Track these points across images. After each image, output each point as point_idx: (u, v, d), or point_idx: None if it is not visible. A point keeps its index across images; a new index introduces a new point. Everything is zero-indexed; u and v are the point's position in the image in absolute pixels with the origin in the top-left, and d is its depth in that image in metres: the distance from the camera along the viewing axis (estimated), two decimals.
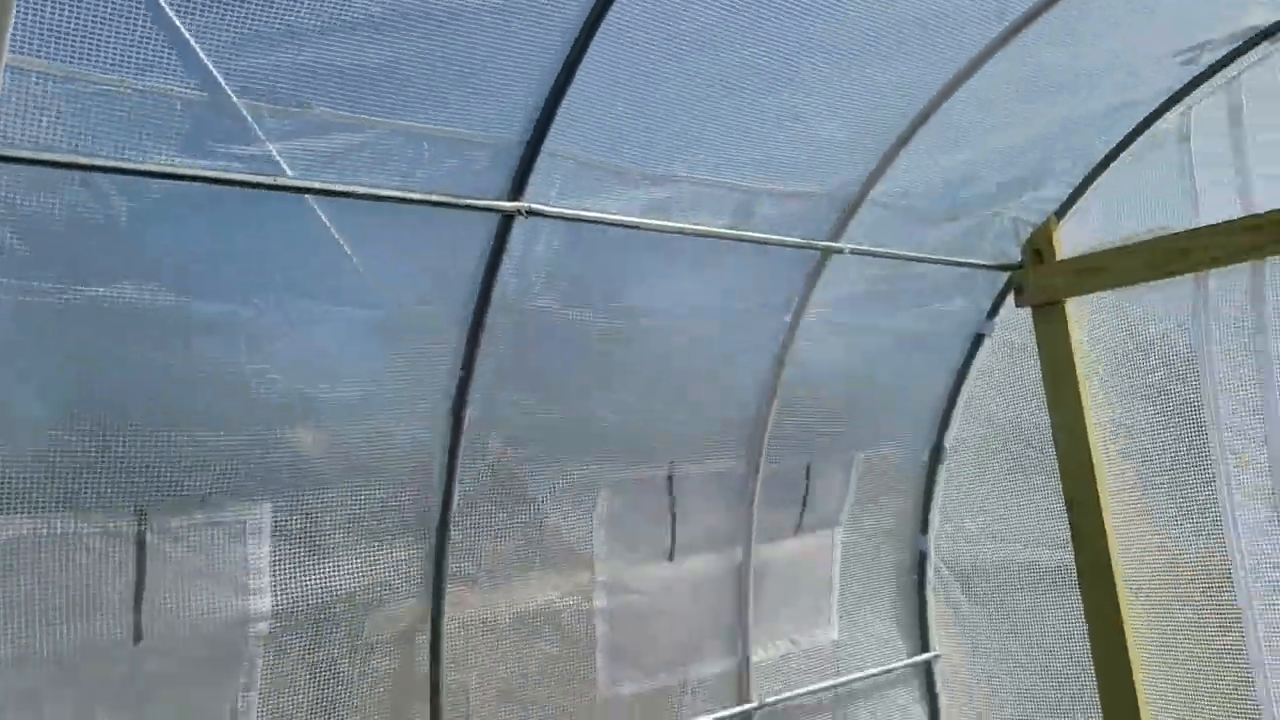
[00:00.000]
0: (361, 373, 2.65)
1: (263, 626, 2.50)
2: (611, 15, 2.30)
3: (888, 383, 4.12)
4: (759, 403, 3.72)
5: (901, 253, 3.64)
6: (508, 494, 3.08)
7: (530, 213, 2.57)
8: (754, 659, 3.88)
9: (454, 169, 2.55)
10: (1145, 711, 3.64)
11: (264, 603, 2.52)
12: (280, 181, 2.25)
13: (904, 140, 3.32)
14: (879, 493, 4.27)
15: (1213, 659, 3.58)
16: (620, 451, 3.42)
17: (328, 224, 2.46)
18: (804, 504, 3.93)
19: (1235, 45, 3.43)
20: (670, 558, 3.57)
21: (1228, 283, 3.43)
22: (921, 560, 4.41)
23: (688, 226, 2.92)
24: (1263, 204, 3.34)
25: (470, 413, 2.80)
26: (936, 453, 4.37)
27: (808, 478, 3.95)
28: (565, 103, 2.51)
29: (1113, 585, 3.73)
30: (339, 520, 2.66)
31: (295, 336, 2.49)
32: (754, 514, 3.81)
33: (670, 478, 3.59)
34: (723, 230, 3.02)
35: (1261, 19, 3.35)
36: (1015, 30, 3.02)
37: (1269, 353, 3.31)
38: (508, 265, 2.72)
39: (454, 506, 2.85)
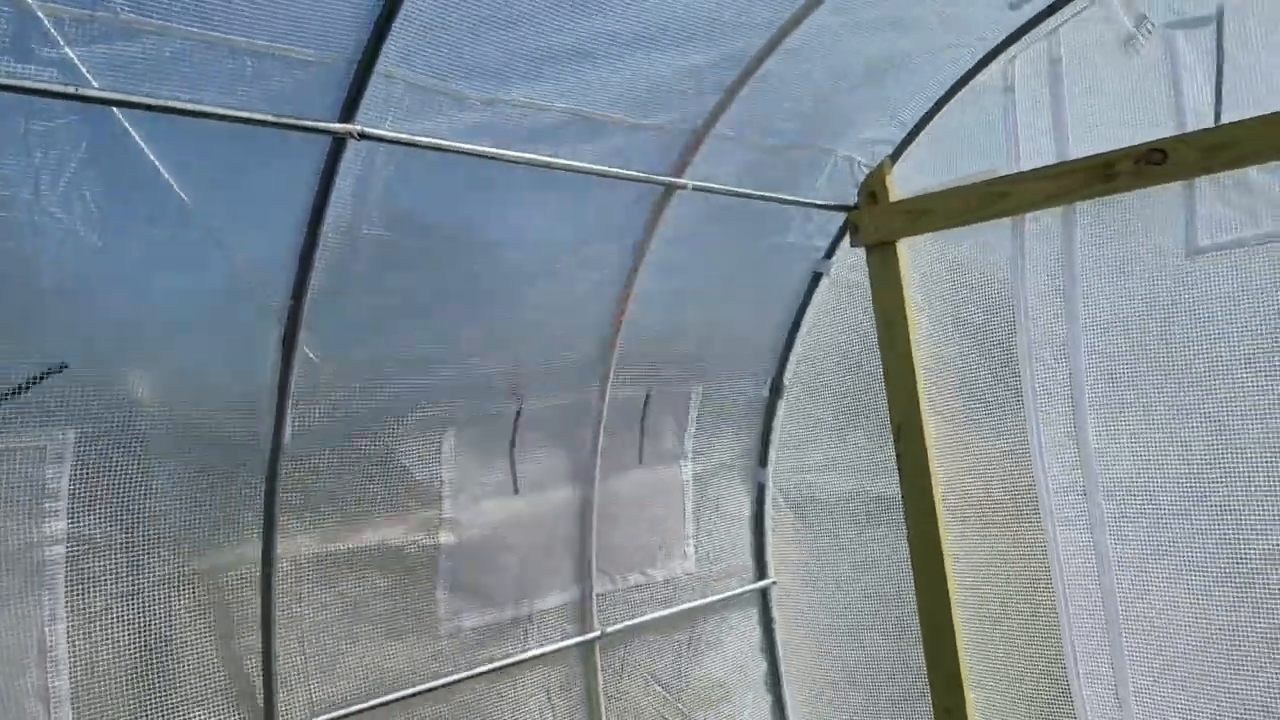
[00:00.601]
0: (182, 297, 2.53)
1: (58, 550, 2.39)
2: None
3: (729, 319, 4.21)
4: (604, 337, 3.75)
5: (743, 190, 3.70)
6: (347, 428, 3.01)
7: (363, 136, 2.49)
8: (600, 590, 3.96)
9: (282, 88, 2.43)
10: (959, 630, 3.91)
11: (59, 526, 2.39)
12: (85, 92, 2.09)
13: (747, 76, 3.36)
14: (722, 426, 4.39)
15: (1021, 578, 3.87)
16: (465, 385, 3.39)
17: (141, 143, 2.31)
18: (646, 436, 4.00)
19: None
20: (516, 492, 3.58)
21: (1042, 226, 3.64)
22: (760, 492, 4.58)
23: (528, 156, 2.88)
24: (1075, 152, 3.55)
25: (302, 342, 2.71)
26: (776, 388, 4.52)
27: (652, 411, 4.02)
28: (399, 20, 2.42)
29: (933, 511, 3.96)
30: (158, 450, 2.54)
31: (110, 256, 2.35)
32: (599, 448, 3.86)
33: (518, 412, 3.59)
34: (565, 161, 3.00)
35: None
36: None
37: (1074, 292, 3.55)
38: (341, 190, 2.62)
39: (286, 439, 2.77)
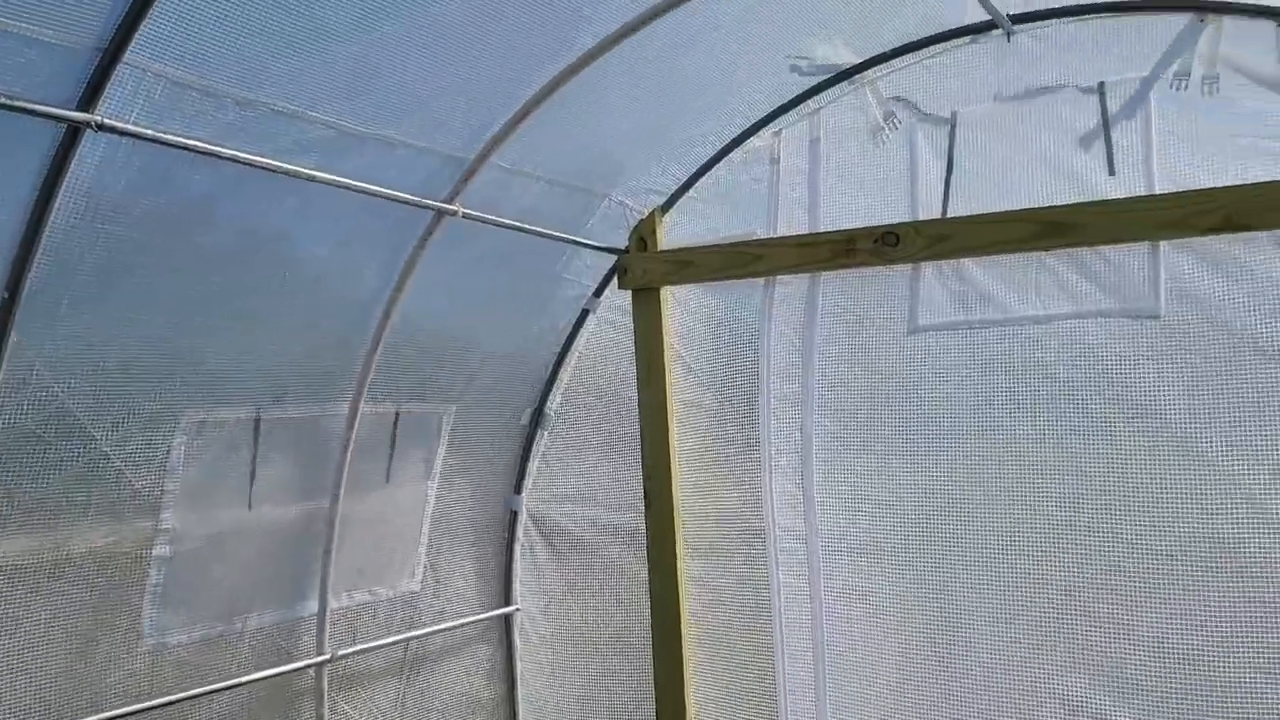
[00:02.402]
0: None
1: None
2: None
3: (494, 346, 4.25)
4: (361, 353, 3.69)
5: (517, 223, 3.76)
6: (58, 430, 2.82)
7: (102, 127, 2.36)
8: (335, 607, 3.87)
9: (15, 68, 2.28)
10: (689, 663, 4.09)
11: None
12: None
13: (528, 111, 3.43)
14: (477, 449, 4.41)
15: (749, 615, 4.09)
16: (204, 391, 3.24)
17: None
18: (395, 455, 3.97)
19: (822, 79, 3.91)
20: (250, 505, 3.45)
21: (790, 290, 3.90)
22: (512, 518, 4.62)
23: (288, 166, 2.82)
24: (823, 225, 3.84)
25: (14, 339, 2.52)
26: (538, 416, 4.59)
27: (403, 430, 3.99)
28: (156, 11, 2.33)
29: (674, 548, 4.13)
30: None
31: None
32: (346, 462, 3.79)
33: (258, 420, 3.47)
34: (329, 175, 2.95)
35: (845, 60, 3.84)
36: (650, 19, 3.19)
37: (811, 354, 3.83)
38: (75, 182, 2.47)
39: None
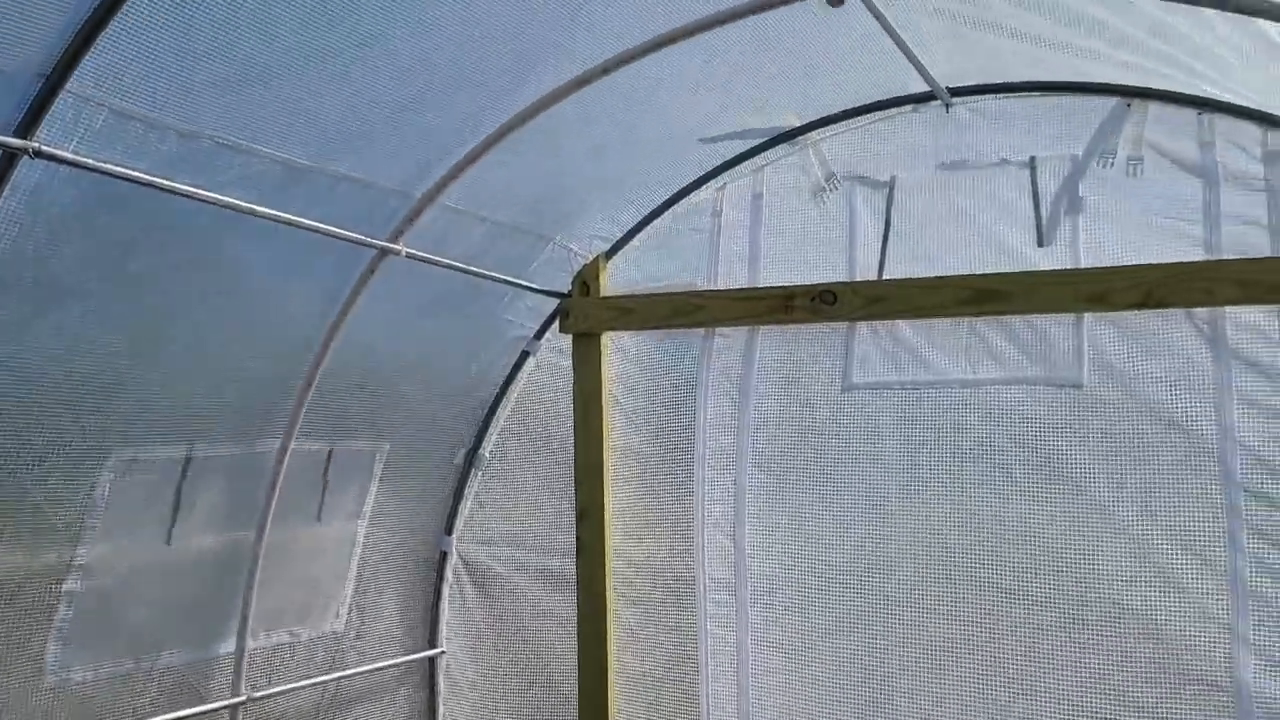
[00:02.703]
0: None
1: None
2: None
3: (431, 384, 4.22)
4: (296, 388, 3.64)
5: (461, 265, 3.76)
6: None
7: (39, 154, 2.31)
8: (254, 647, 3.78)
9: None
10: (614, 710, 4.07)
11: None
12: None
13: (478, 154, 3.44)
14: (408, 489, 4.36)
15: (678, 663, 4.08)
16: (135, 427, 3.17)
17: None
18: (326, 492, 3.91)
19: (766, 139, 4.00)
20: (170, 541, 3.37)
21: (728, 342, 3.97)
22: (442, 559, 4.57)
23: (230, 200, 2.79)
24: (763, 280, 3.91)
25: None
26: (472, 456, 4.56)
27: (335, 467, 3.93)
28: (104, 40, 2.30)
29: (605, 594, 4.13)
30: None
31: None
32: (274, 500, 3.72)
33: (189, 458, 3.40)
34: (271, 211, 2.92)
35: (789, 123, 3.94)
36: (600, 74, 3.23)
37: (747, 406, 3.88)
38: (7, 208, 2.42)
39: None
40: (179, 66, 2.52)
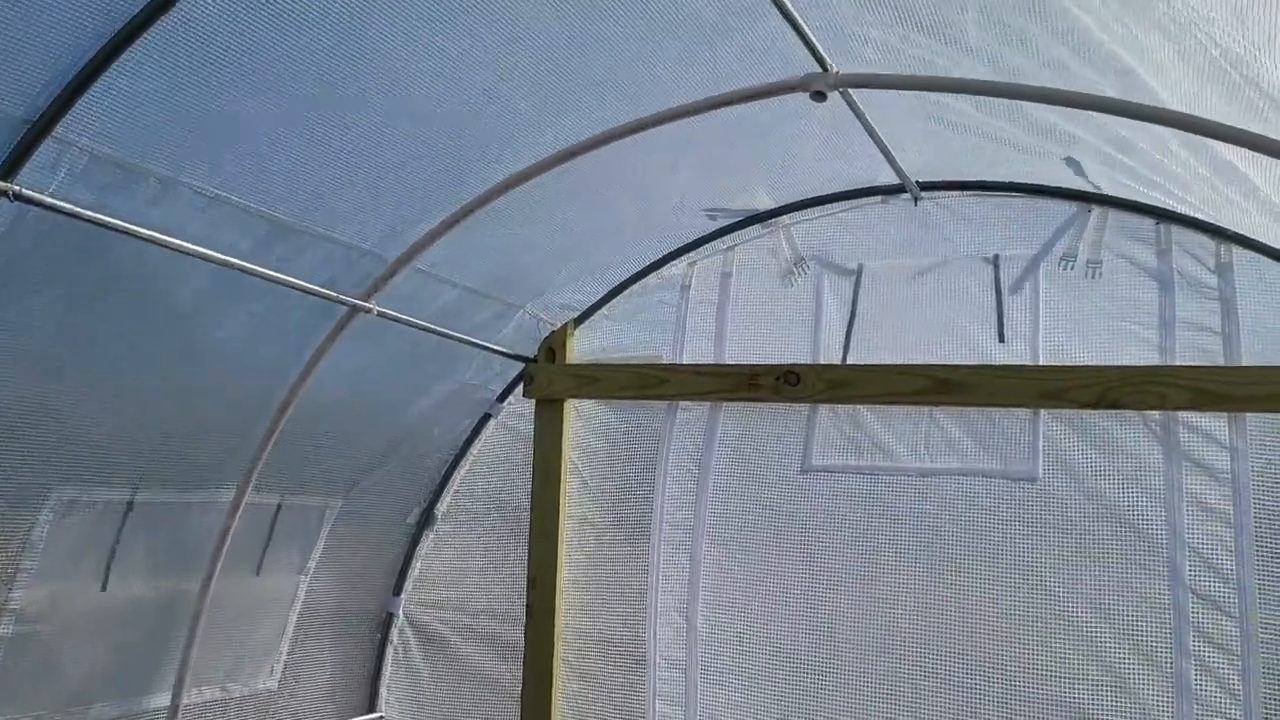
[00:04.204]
0: None
1: None
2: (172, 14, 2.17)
3: (393, 443, 4.18)
4: (256, 440, 3.59)
5: (430, 325, 3.76)
6: None
7: (19, 197, 2.30)
8: (188, 703, 3.66)
9: None
10: None
11: None
12: None
13: (455, 221, 3.45)
14: (358, 547, 4.28)
15: None
16: (80, 468, 3.10)
17: None
18: (271, 546, 3.83)
19: (738, 220, 4.07)
20: (107, 588, 3.27)
21: (692, 417, 3.99)
22: (388, 620, 4.48)
23: (202, 250, 2.78)
24: (729, 357, 3.95)
25: None
26: (426, 518, 4.50)
27: (283, 521, 3.86)
28: (94, 91, 2.30)
29: (552, 664, 4.07)
30: None
31: None
32: (222, 550, 3.63)
33: (131, 503, 3.32)
34: (242, 263, 2.90)
35: (762, 205, 4.02)
36: (583, 150, 3.27)
37: (706, 482, 3.89)
38: None
39: None
40: (164, 118, 2.53)
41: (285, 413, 3.58)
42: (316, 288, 3.21)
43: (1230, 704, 3.05)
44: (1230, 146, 2.40)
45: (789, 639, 3.72)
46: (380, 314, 3.49)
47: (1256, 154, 2.20)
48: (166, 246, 2.69)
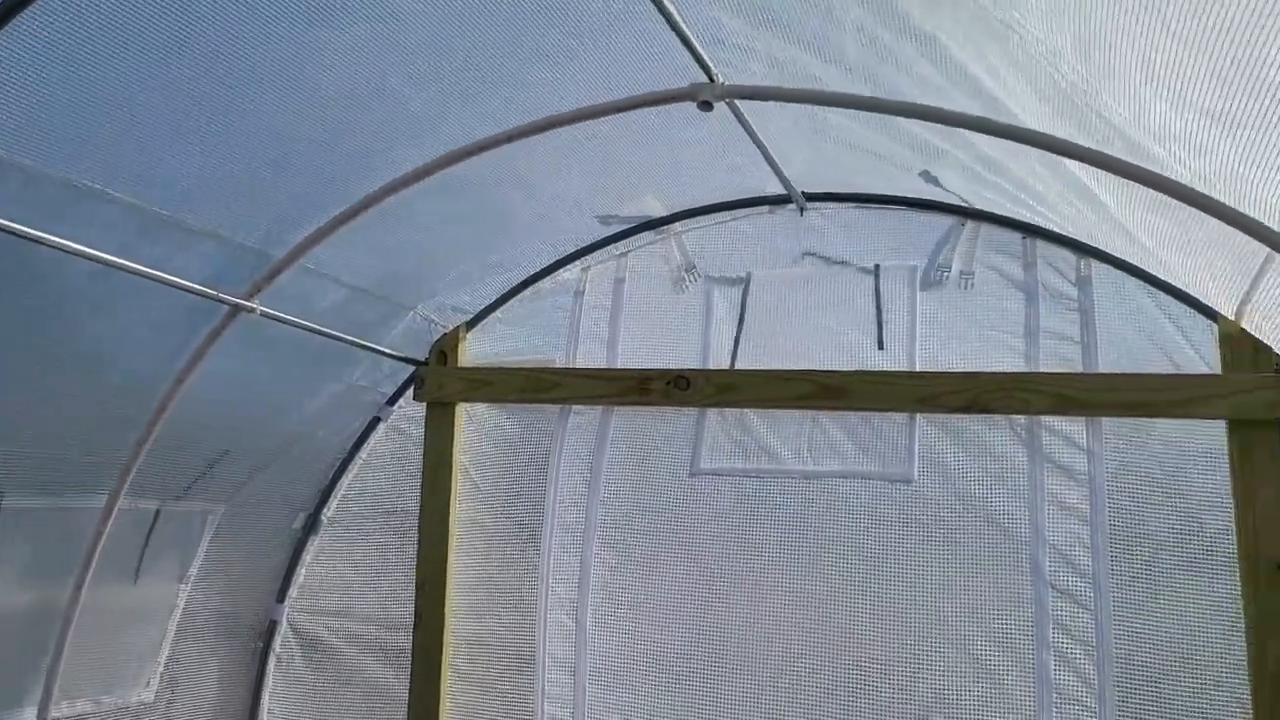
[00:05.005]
0: None
1: None
2: None
3: (278, 446, 4.10)
4: (131, 443, 3.47)
5: (318, 326, 3.70)
6: None
7: None
8: (53, 717, 3.51)
9: None
10: None
11: None
12: None
13: (345, 219, 3.41)
14: (241, 553, 4.18)
15: None
16: None
17: None
18: (146, 554, 3.71)
19: (632, 225, 4.13)
20: None
21: (584, 420, 4.02)
22: (272, 628, 4.38)
23: (71, 244, 2.68)
24: (621, 362, 4.00)
25: None
26: (312, 523, 4.42)
27: (161, 528, 3.75)
28: None
29: (439, 668, 4.04)
30: None
31: None
32: (94, 557, 3.50)
33: None
34: (113, 258, 2.81)
35: (654, 211, 4.08)
36: (474, 152, 3.27)
37: (597, 485, 3.92)
38: None
39: None
40: (30, 105, 2.44)
41: (162, 415, 3.48)
42: (195, 286, 3.12)
43: (1085, 692, 3.24)
44: (1085, 170, 2.57)
45: (676, 639, 3.78)
46: (264, 314, 3.42)
47: (1109, 175, 2.36)
48: (35, 241, 2.59)
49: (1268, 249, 2.26)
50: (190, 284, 3.11)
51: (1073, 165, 2.56)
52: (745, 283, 3.94)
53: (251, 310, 3.38)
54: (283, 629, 4.39)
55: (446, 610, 4.06)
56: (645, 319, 4.05)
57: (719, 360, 3.89)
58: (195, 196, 3.02)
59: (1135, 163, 2.25)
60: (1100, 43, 1.89)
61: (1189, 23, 1.62)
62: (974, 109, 2.52)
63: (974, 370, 3.51)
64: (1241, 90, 1.74)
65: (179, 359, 3.43)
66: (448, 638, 4.06)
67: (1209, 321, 3.31)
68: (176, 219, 3.00)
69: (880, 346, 3.70)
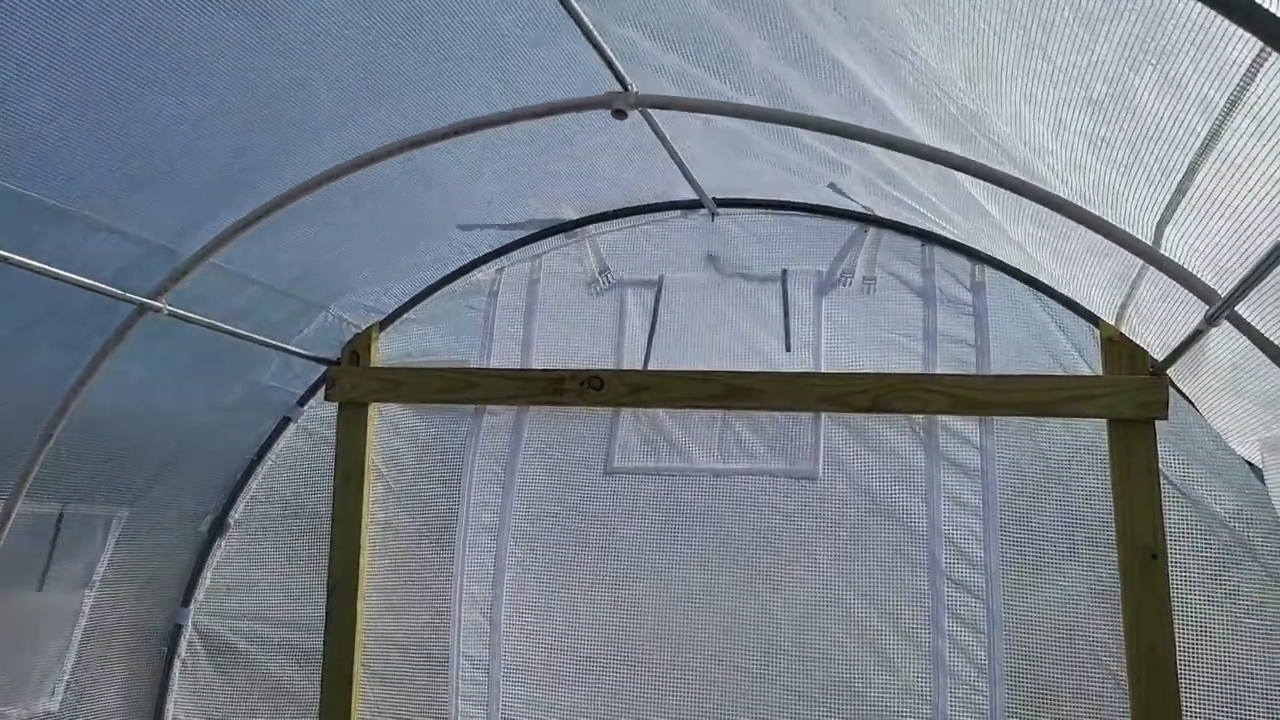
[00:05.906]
0: None
1: None
2: None
3: (185, 448, 4.02)
4: (28, 447, 3.38)
5: (227, 326, 3.65)
6: None
7: None
8: None
9: None
10: None
11: None
12: None
13: (257, 218, 3.37)
14: (146, 557, 4.09)
15: None
16: None
17: None
18: (53, 559, 3.61)
19: (544, 228, 4.18)
20: None
21: (499, 421, 4.05)
22: (176, 633, 4.29)
23: None
24: (536, 362, 4.05)
25: None
26: (218, 525, 4.34)
27: (65, 532, 3.65)
28: None
29: (351, 672, 4.03)
30: None
31: None
32: None
33: None
34: (17, 258, 2.75)
35: (567, 215, 4.14)
36: (387, 155, 3.27)
37: (511, 485, 3.96)
38: None
39: None
40: None
41: (63, 416, 3.39)
42: (98, 284, 3.06)
43: (978, 676, 3.42)
44: (977, 184, 2.72)
45: (589, 635, 3.84)
46: (171, 313, 3.36)
47: (999, 189, 2.51)
48: None
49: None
50: (94, 282, 3.05)
51: (965, 180, 2.71)
52: (658, 285, 4.02)
53: (158, 310, 3.33)
54: (188, 633, 4.31)
55: (359, 611, 4.05)
56: (560, 320, 4.10)
57: (633, 361, 3.96)
58: (99, 192, 2.96)
59: (1022, 178, 2.40)
60: (987, 72, 2.03)
61: (1070, 56, 1.76)
62: (875, 125, 2.65)
63: (877, 371, 3.66)
64: (1115, 115, 1.89)
65: (81, 360, 3.36)
66: (359, 639, 4.05)
67: (1091, 326, 3.52)
68: (80, 214, 2.94)
69: (788, 349, 3.83)
